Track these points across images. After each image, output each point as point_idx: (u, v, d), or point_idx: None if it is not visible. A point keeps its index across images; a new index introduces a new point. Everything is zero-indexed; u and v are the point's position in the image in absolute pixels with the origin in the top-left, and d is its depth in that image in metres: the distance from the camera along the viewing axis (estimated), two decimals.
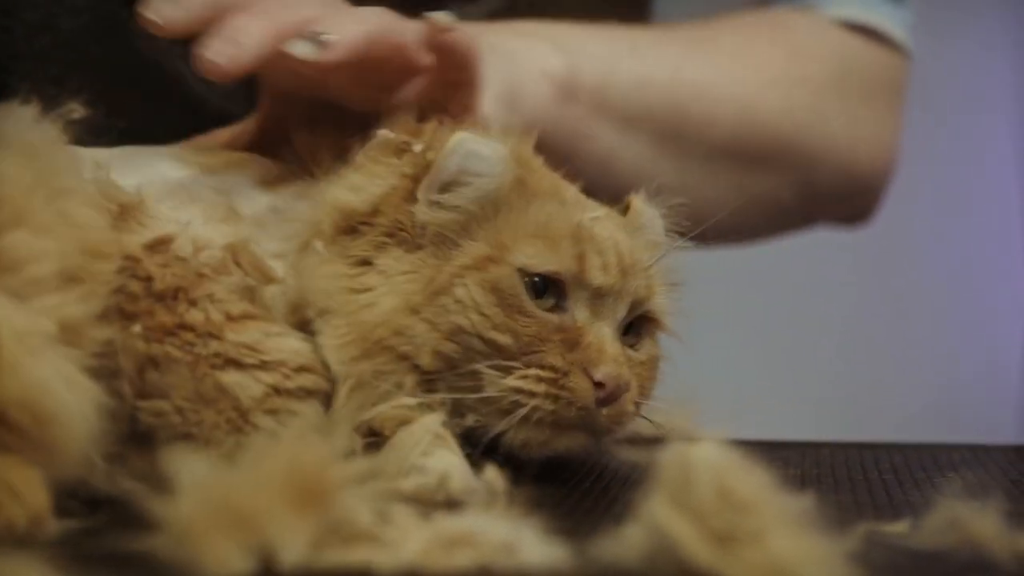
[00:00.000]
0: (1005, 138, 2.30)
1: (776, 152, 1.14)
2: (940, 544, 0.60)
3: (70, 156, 0.71)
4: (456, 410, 0.73)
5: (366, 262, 0.74)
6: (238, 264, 0.73)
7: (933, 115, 2.07)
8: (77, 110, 0.71)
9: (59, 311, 0.64)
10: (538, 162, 0.80)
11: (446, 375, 0.73)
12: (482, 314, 0.72)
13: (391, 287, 0.73)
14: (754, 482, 0.54)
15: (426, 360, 0.72)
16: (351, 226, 0.75)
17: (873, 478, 0.82)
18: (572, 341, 0.73)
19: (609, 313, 0.75)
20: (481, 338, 0.72)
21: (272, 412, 0.71)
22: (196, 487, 0.56)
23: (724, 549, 0.52)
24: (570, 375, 0.72)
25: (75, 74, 0.84)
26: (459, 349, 0.72)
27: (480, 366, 0.72)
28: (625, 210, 0.82)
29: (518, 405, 0.72)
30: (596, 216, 0.77)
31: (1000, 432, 2.02)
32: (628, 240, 0.77)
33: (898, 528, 0.64)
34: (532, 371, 0.72)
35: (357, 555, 0.56)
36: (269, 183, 0.80)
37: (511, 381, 0.72)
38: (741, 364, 1.94)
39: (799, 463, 0.88)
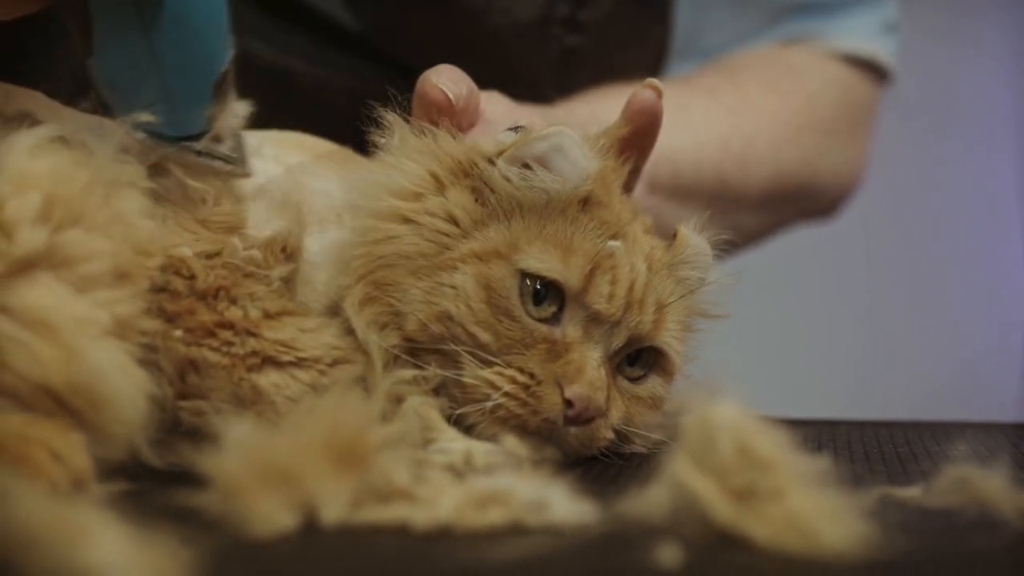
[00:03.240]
0: (1005, 133, 2.32)
1: (794, 194, 1.21)
2: (949, 503, 0.63)
3: (126, 158, 0.74)
4: (439, 390, 0.75)
5: (443, 189, 0.76)
6: (280, 252, 0.76)
7: (933, 113, 2.10)
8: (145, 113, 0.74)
9: (112, 307, 0.67)
10: (617, 195, 0.80)
11: (431, 355, 0.74)
12: (469, 306, 0.74)
13: (425, 221, 0.75)
14: (773, 441, 0.57)
15: (412, 327, 0.74)
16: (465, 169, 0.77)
17: (888, 452, 0.85)
18: (555, 354, 0.74)
19: (602, 339, 0.76)
20: (464, 329, 0.74)
21: None
22: (242, 448, 0.58)
23: (745, 505, 0.55)
24: (543, 384, 0.73)
25: None
26: (444, 333, 0.74)
27: (463, 353, 0.74)
28: (673, 239, 0.82)
29: (486, 397, 0.73)
30: (620, 246, 0.77)
31: (1006, 411, 2.04)
32: (648, 274, 0.77)
33: (910, 493, 0.66)
34: (509, 371, 0.73)
35: (394, 513, 0.59)
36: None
37: (486, 373, 0.73)
38: (759, 347, 1.96)
39: (816, 439, 0.90)
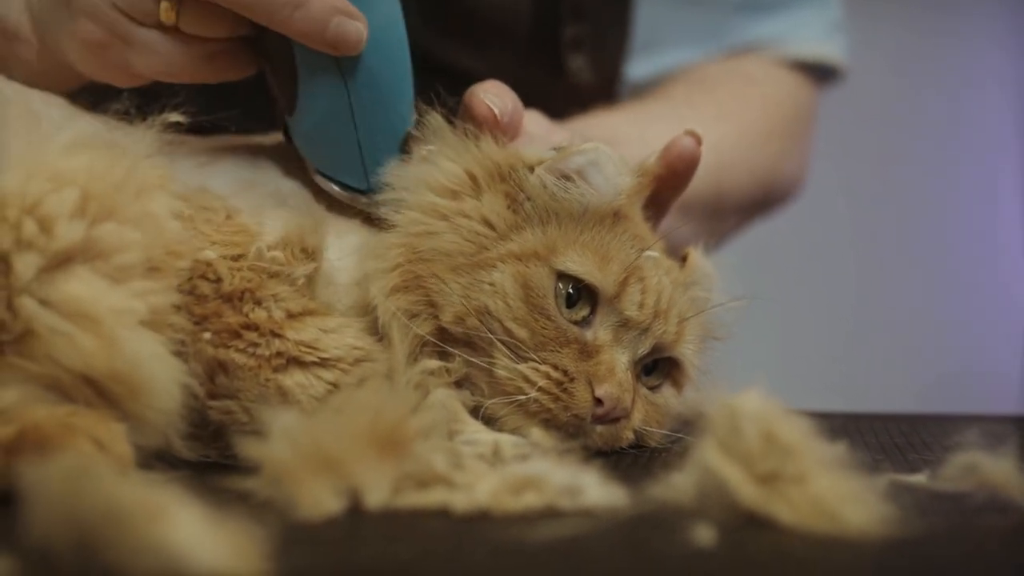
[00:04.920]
0: (1005, 132, 2.35)
1: (763, 196, 1.26)
2: (959, 487, 0.66)
3: (159, 157, 0.76)
4: (461, 382, 0.77)
5: (479, 193, 0.79)
6: (297, 251, 0.78)
7: (934, 112, 2.13)
8: (175, 114, 0.76)
9: (147, 297, 0.69)
10: (640, 213, 0.84)
11: (461, 346, 0.77)
12: (507, 303, 0.77)
13: (464, 224, 0.78)
14: (796, 428, 0.60)
15: (448, 318, 0.77)
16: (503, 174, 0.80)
17: (886, 442, 0.88)
18: (587, 354, 0.77)
19: (630, 344, 0.79)
20: (501, 324, 0.76)
21: None
22: (289, 436, 0.61)
23: (770, 489, 0.58)
24: (576, 382, 0.76)
25: None
26: (480, 328, 0.77)
27: (498, 346, 0.77)
28: (683, 261, 0.86)
29: (520, 391, 0.76)
30: (654, 257, 0.81)
31: (1009, 404, 2.07)
32: (672, 288, 0.81)
33: (917, 479, 0.70)
34: (544, 367, 0.76)
35: (434, 497, 0.62)
36: None
37: (522, 367, 0.76)
38: (761, 341, 1.98)
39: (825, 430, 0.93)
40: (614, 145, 0.82)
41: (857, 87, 2.14)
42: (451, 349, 0.77)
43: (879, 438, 0.91)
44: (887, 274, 2.34)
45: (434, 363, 0.76)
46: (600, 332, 0.78)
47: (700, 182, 0.94)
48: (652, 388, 0.82)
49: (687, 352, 0.83)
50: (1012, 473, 0.64)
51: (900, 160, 2.24)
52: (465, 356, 0.77)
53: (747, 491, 0.58)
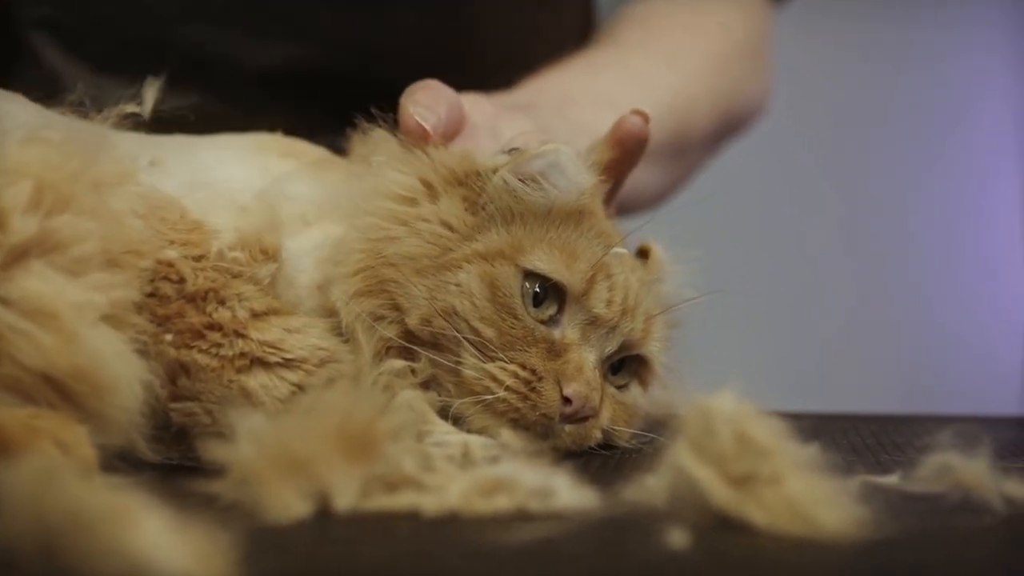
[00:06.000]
0: (1005, 131, 2.36)
1: (728, 123, 1.24)
2: (933, 488, 0.66)
3: (115, 151, 0.75)
4: (427, 383, 0.77)
5: (435, 197, 0.78)
6: (257, 252, 0.77)
7: (934, 111, 2.14)
8: (131, 105, 0.75)
9: (107, 291, 0.68)
10: (602, 208, 0.84)
11: (428, 347, 0.76)
12: (473, 303, 0.76)
13: (424, 228, 0.77)
14: (770, 429, 0.59)
15: (414, 321, 0.76)
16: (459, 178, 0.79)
17: (857, 443, 0.88)
18: (554, 353, 0.77)
19: (598, 343, 0.79)
20: (468, 324, 0.76)
21: None
22: (256, 438, 0.60)
23: (744, 490, 0.58)
24: (544, 381, 0.75)
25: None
26: (447, 328, 0.76)
27: (465, 346, 0.76)
28: (642, 255, 0.86)
29: (488, 391, 0.75)
30: (620, 252, 0.80)
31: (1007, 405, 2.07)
32: (638, 285, 0.81)
33: (889, 480, 0.69)
34: (512, 366, 0.75)
35: (404, 500, 0.61)
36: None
37: (490, 367, 0.75)
38: (747, 340, 1.98)
39: (803, 431, 0.92)
40: (569, 106, 0.81)
41: (857, 87, 2.15)
42: (418, 350, 0.76)
43: (851, 439, 0.90)
44: (887, 274, 2.34)
45: (399, 363, 0.75)
46: (568, 330, 0.77)
47: (662, 130, 0.93)
48: (620, 387, 0.82)
49: (654, 350, 0.82)
50: (985, 474, 0.64)
51: (900, 160, 2.24)
52: (432, 357, 0.76)
53: (720, 493, 0.58)
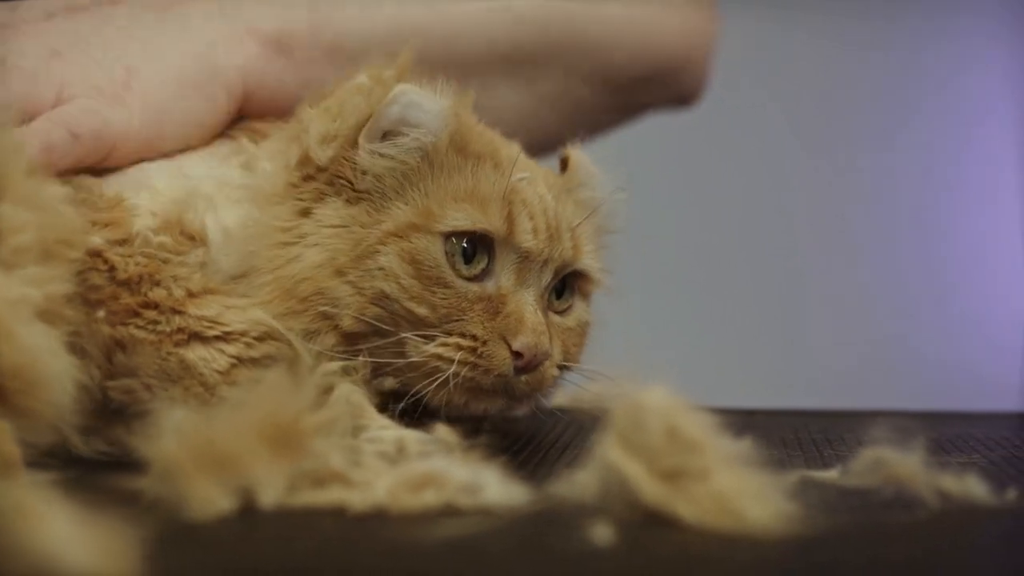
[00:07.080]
0: (1005, 131, 2.36)
1: (551, 50, 1.02)
2: (866, 483, 0.65)
3: None
4: (377, 372, 0.75)
5: (307, 212, 0.76)
6: (179, 235, 0.76)
7: (934, 110, 2.13)
8: None
9: (43, 285, 0.67)
10: (474, 121, 0.81)
11: (370, 337, 0.75)
12: (400, 284, 0.74)
13: (320, 239, 0.75)
14: (700, 424, 0.58)
15: (347, 323, 0.74)
16: (309, 175, 0.77)
17: (804, 438, 0.87)
18: (493, 310, 0.75)
19: (534, 280, 0.77)
20: (401, 305, 0.74)
21: (237, 383, 0.73)
22: (180, 432, 0.59)
23: (673, 485, 0.57)
24: (489, 343, 0.74)
25: None
26: (383, 313, 0.74)
27: (404, 332, 0.74)
28: (563, 166, 0.84)
29: (438, 371, 0.74)
30: (525, 177, 0.78)
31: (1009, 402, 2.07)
32: (554, 201, 0.79)
33: (828, 475, 0.69)
34: (452, 339, 0.74)
35: (330, 496, 0.60)
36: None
37: (432, 348, 0.74)
38: (759, 338, 1.98)
39: (736, 426, 0.92)
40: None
41: (857, 86, 2.15)
42: (363, 347, 0.75)
43: (799, 434, 0.90)
44: (886, 274, 2.34)
45: (335, 364, 0.73)
46: (502, 279, 0.76)
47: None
48: (564, 311, 0.80)
49: (588, 261, 0.81)
50: (919, 468, 0.64)
51: (900, 159, 2.24)
52: (376, 347, 0.74)
53: (648, 488, 0.57)
